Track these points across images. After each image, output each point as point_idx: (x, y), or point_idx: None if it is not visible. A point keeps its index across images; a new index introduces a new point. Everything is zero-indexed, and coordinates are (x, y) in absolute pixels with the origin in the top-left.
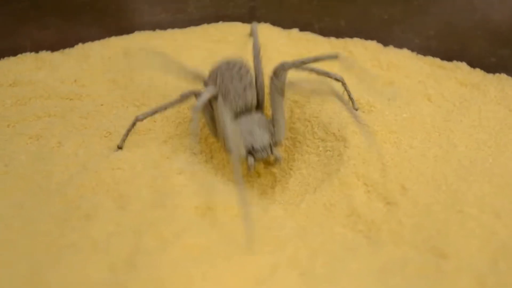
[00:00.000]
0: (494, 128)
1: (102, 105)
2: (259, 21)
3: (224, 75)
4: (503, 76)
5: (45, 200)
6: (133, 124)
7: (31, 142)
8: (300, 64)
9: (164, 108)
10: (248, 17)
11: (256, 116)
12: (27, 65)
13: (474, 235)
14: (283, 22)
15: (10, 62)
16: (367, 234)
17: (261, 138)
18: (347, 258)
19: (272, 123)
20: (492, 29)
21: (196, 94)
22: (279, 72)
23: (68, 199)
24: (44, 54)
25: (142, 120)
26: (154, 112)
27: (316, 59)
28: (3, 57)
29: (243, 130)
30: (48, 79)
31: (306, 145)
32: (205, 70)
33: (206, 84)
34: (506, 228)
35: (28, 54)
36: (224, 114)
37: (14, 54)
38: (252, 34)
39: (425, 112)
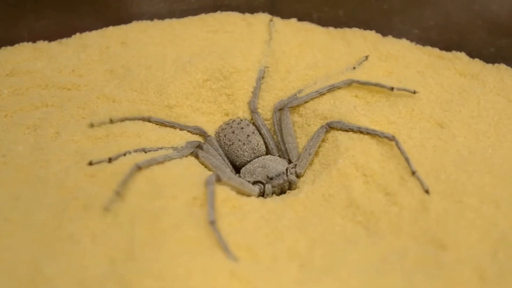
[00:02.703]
0: (493, 119)
1: (99, 95)
2: (257, 11)
3: (225, 130)
4: (502, 66)
5: (43, 191)
6: (132, 173)
7: (29, 132)
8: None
9: (167, 159)
10: (246, 6)
11: (267, 156)
12: (25, 55)
13: (474, 226)
14: (282, 11)
15: (7, 52)
16: (366, 225)
17: (275, 167)
18: (346, 249)
19: (289, 153)
20: (491, 19)
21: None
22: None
23: (65, 190)
24: (42, 44)
25: (142, 168)
26: (157, 161)
27: (368, 131)
28: (0, 47)
29: (255, 167)
30: (45, 69)
31: (305, 135)
32: (203, 60)
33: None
34: (506, 219)
35: (25, 44)
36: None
37: (12, 44)
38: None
39: (424, 102)
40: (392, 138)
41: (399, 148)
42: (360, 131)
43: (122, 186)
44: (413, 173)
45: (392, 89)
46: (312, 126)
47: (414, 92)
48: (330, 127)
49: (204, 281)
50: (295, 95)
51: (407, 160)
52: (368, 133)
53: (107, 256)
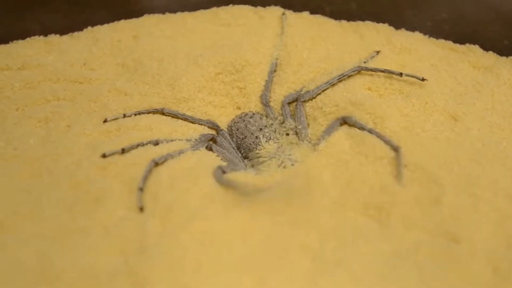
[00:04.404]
0: (507, 111)
1: (111, 88)
2: (269, 4)
3: (238, 124)
4: None
5: (54, 184)
6: (151, 169)
7: (40, 126)
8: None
9: (181, 152)
10: None
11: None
12: (36, 49)
13: (488, 219)
14: (294, 4)
15: (19, 46)
16: (378, 218)
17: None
18: (358, 243)
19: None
20: (505, 11)
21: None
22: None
23: (77, 183)
24: (53, 38)
25: (160, 163)
26: (172, 156)
27: (378, 135)
28: (12, 40)
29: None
30: (57, 63)
31: (317, 128)
32: (215, 53)
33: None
34: None
35: (37, 37)
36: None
37: (23, 37)
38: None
39: (437, 95)
40: (396, 149)
41: (398, 159)
42: (370, 132)
43: (144, 183)
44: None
45: (401, 74)
46: (325, 118)
47: (423, 80)
48: (344, 121)
49: (215, 274)
50: (301, 89)
51: (399, 172)
52: (377, 137)
53: (118, 249)
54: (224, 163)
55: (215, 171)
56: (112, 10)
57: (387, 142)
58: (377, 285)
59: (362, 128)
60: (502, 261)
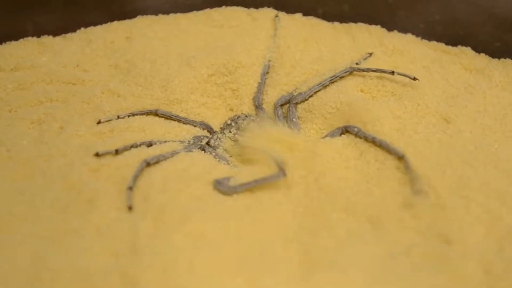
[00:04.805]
0: (499, 113)
1: (104, 89)
2: (262, 5)
3: (230, 126)
4: (508, 61)
5: (47, 185)
6: (142, 169)
7: (33, 127)
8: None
9: (174, 154)
10: (251, 1)
11: None
12: (29, 50)
13: (480, 221)
14: (287, 6)
15: (12, 47)
16: (371, 221)
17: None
18: (352, 244)
19: None
20: (497, 14)
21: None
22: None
23: (70, 184)
24: (46, 39)
25: (151, 164)
26: (165, 157)
27: (381, 143)
28: (5, 41)
29: None
30: (50, 64)
31: (310, 129)
32: (208, 55)
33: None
34: None
35: (30, 38)
36: None
37: (16, 38)
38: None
39: (429, 97)
40: (401, 157)
41: (407, 166)
42: (374, 142)
43: (134, 182)
44: (418, 190)
45: (392, 73)
46: (317, 120)
47: (414, 79)
48: (347, 130)
49: (208, 275)
50: (294, 91)
51: (413, 178)
52: (380, 145)
53: (111, 250)
54: (219, 166)
55: (218, 185)
56: (105, 11)
57: (391, 150)
58: (371, 286)
59: (365, 137)
60: (494, 263)
